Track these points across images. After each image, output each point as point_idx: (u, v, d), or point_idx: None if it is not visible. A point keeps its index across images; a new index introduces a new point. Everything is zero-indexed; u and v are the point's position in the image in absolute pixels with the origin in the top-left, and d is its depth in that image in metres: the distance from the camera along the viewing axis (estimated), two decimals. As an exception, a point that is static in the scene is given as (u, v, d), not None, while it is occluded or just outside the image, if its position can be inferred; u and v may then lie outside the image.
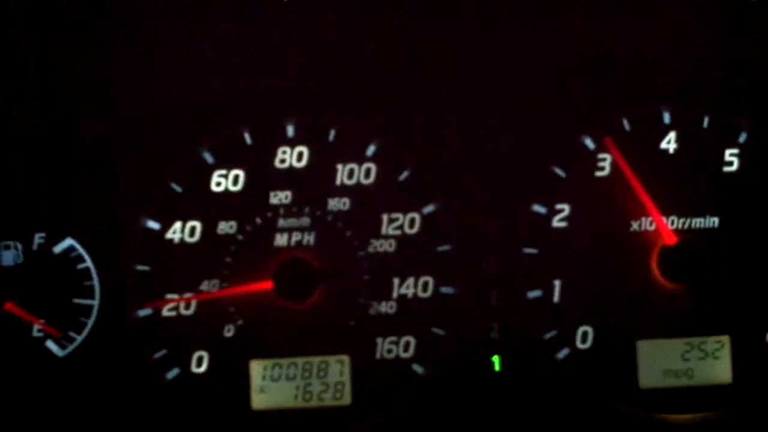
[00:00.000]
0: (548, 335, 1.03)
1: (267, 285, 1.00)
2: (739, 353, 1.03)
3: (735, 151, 1.05)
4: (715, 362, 1.03)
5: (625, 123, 1.04)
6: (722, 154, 1.04)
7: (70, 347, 0.99)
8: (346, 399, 1.02)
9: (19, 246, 1.00)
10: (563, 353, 1.03)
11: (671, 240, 1.02)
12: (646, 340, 1.03)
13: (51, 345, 1.00)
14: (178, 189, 1.02)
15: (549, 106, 1.03)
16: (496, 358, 1.01)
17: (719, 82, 1.04)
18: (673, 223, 1.03)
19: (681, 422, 1.03)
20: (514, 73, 1.02)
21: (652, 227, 1.03)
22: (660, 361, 1.03)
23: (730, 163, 1.05)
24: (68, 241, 1.00)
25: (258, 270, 1.01)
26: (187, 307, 1.01)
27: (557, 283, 1.03)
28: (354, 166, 1.03)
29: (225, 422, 1.01)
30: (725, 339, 1.03)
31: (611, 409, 1.02)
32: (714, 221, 1.04)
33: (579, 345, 1.03)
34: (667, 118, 1.04)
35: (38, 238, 1.00)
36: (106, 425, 0.98)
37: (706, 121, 1.04)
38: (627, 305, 1.03)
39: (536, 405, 1.01)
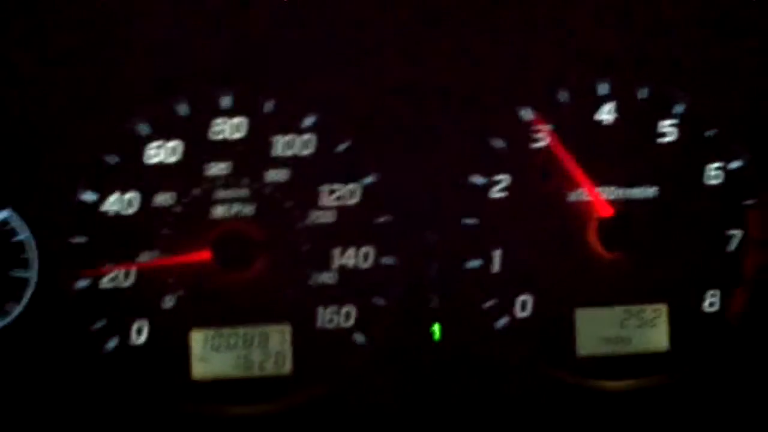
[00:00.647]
0: (487, 304, 1.04)
1: (205, 255, 1.01)
2: (676, 321, 1.05)
3: (671, 122, 1.06)
4: (652, 330, 1.05)
5: (561, 94, 1.05)
6: (658, 126, 1.06)
7: (8, 319, 0.99)
8: (287, 368, 1.02)
9: (-45, 218, 1.00)
10: (502, 322, 1.04)
11: (607, 212, 1.03)
12: (584, 309, 1.05)
13: (-13, 317, 1.00)
14: (114, 161, 1.01)
15: (486, 78, 1.03)
16: (436, 328, 1.03)
17: (655, 54, 1.05)
18: (610, 193, 1.04)
19: (618, 389, 1.04)
20: (452, 45, 1.02)
21: (590, 197, 1.04)
22: (598, 329, 1.05)
23: (666, 134, 1.06)
24: (4, 213, 0.99)
25: (197, 241, 1.01)
26: (126, 278, 1.01)
27: (497, 253, 1.04)
28: (292, 137, 1.03)
29: (165, 392, 1.01)
30: (663, 307, 1.05)
31: (549, 377, 1.04)
32: (651, 192, 1.05)
33: (518, 314, 1.04)
34: (603, 89, 1.05)
35: (-27, 210, 1.00)
36: (46, 396, 0.98)
37: (642, 93, 1.06)
38: (565, 274, 1.04)
39: (475, 373, 1.03)
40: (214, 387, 1.02)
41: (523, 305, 1.04)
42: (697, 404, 1.04)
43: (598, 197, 1.04)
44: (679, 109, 1.06)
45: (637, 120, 1.05)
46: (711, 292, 1.06)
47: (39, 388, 0.98)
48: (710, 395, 1.04)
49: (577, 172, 1.04)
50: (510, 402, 1.03)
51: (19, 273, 0.99)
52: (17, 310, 0.99)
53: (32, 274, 0.99)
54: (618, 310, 1.05)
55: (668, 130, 1.06)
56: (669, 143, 1.06)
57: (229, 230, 1.01)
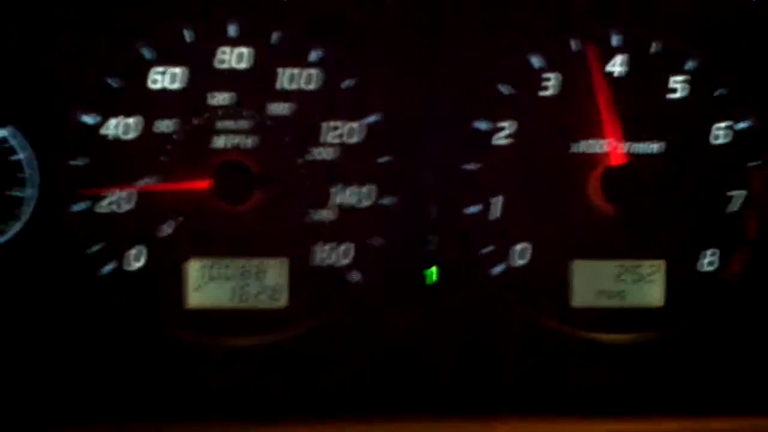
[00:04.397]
0: (485, 251, 1.04)
1: (204, 184, 1.00)
2: (673, 278, 1.05)
3: (681, 78, 1.05)
4: (648, 285, 1.05)
5: (573, 44, 1.04)
6: (668, 81, 1.05)
7: (5, 237, 0.99)
8: (282, 302, 1.02)
9: (-47, 135, 0.99)
10: (498, 269, 1.04)
11: (619, 160, 1.03)
12: (581, 261, 1.04)
13: (-16, 235, 1.00)
14: (116, 84, 1.00)
15: (497, 24, 1.02)
16: (432, 270, 1.03)
17: (670, 7, 1.04)
18: (616, 146, 1.04)
19: (610, 342, 1.05)
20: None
21: (594, 149, 1.04)
22: (594, 282, 1.05)
23: (676, 90, 1.05)
24: (2, 132, 0.99)
25: (195, 170, 1.00)
26: (125, 202, 1.01)
27: (497, 200, 1.04)
28: (296, 70, 1.02)
29: (159, 318, 1.02)
30: (660, 263, 1.05)
31: (542, 326, 1.04)
32: (656, 147, 1.05)
33: (514, 262, 1.04)
34: (615, 40, 1.04)
35: (-28, 129, 1.00)
36: (39, 316, 0.98)
37: (654, 46, 1.04)
38: (564, 225, 1.04)
39: (468, 318, 1.03)
40: (207, 316, 1.02)
41: (521, 253, 1.04)
42: (689, 361, 1.05)
43: (615, 145, 1.03)
44: (690, 65, 1.05)
45: (648, 74, 1.04)
46: (710, 251, 1.06)
47: (33, 309, 0.98)
48: (704, 354, 1.04)
49: (606, 119, 1.03)
50: (502, 349, 1.03)
51: (15, 193, 0.99)
52: (14, 229, 0.99)
53: (30, 194, 0.99)
54: (614, 264, 1.05)
55: (678, 86, 1.05)
56: (678, 99, 1.05)
57: (229, 161, 1.01)
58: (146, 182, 1.01)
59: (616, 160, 1.03)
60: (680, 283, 1.05)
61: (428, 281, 1.03)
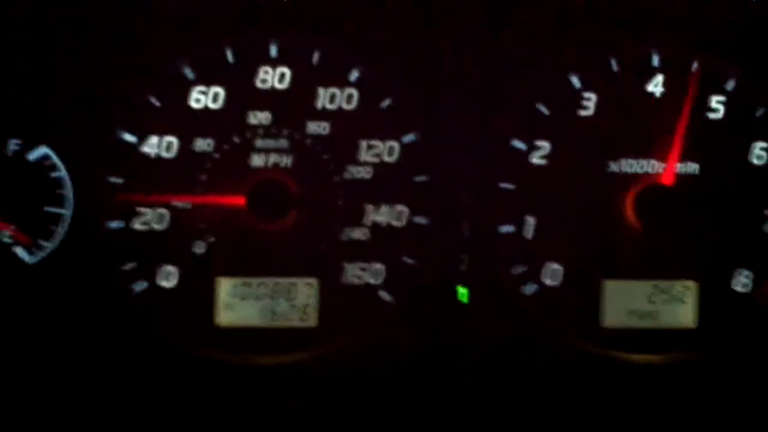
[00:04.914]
0: (517, 270, 1.04)
1: (240, 200, 1.00)
2: (705, 299, 1.05)
3: (721, 98, 1.04)
4: (680, 306, 1.04)
5: (613, 63, 1.03)
6: (708, 100, 1.04)
7: (40, 255, 0.99)
8: (312, 321, 1.03)
9: (-6, 150, 1.00)
10: (530, 289, 1.04)
11: (656, 180, 1.02)
12: (613, 280, 1.04)
13: (20, 251, 0.99)
14: (157, 103, 1.00)
15: (537, 42, 1.01)
16: (464, 290, 1.02)
17: (711, 27, 1.03)
18: (653, 166, 1.03)
19: (641, 362, 1.04)
20: (503, 8, 1.00)
21: (631, 169, 1.03)
22: (625, 302, 1.04)
23: (715, 110, 1.04)
24: (43, 149, 0.99)
25: (233, 189, 1.00)
26: (159, 221, 1.01)
27: (530, 219, 1.03)
28: (336, 90, 1.02)
29: (189, 337, 1.02)
30: (692, 284, 1.04)
31: (574, 347, 1.04)
32: (694, 167, 1.04)
33: (546, 281, 1.04)
34: (655, 60, 1.03)
35: (13, 144, 0.99)
36: (71, 334, 0.98)
37: (694, 66, 1.03)
38: (597, 245, 1.04)
39: (500, 339, 1.03)
40: (237, 335, 1.02)
41: (553, 273, 1.04)
42: (722, 384, 1.04)
43: (672, 165, 1.03)
44: (731, 85, 1.04)
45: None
46: (744, 272, 1.05)
47: (64, 326, 0.98)
48: (737, 376, 1.04)
49: (677, 140, 1.03)
50: (532, 369, 1.03)
51: (53, 209, 0.99)
52: (49, 246, 0.99)
53: (67, 212, 0.99)
54: (647, 284, 1.04)
55: (718, 106, 1.04)
56: (717, 120, 1.04)
57: (266, 180, 1.01)
58: (183, 200, 1.01)
59: (653, 181, 1.03)
60: (713, 304, 1.05)
61: (459, 301, 1.03)
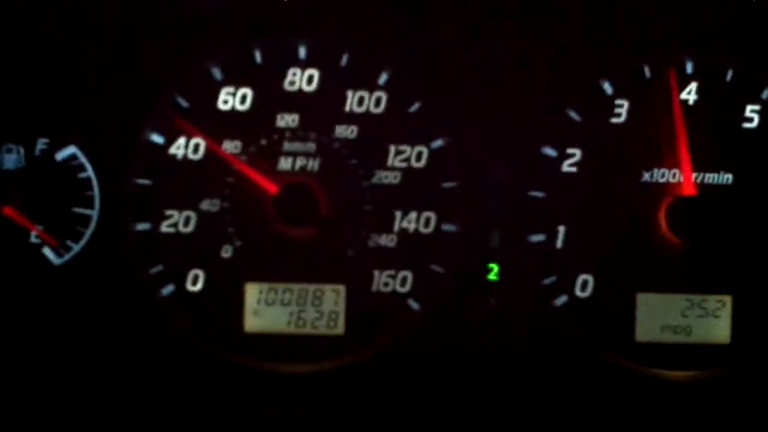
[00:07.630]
0: (547, 281, 1.02)
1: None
2: (740, 314, 1.03)
3: (756, 107, 1.02)
4: (714, 321, 1.03)
5: (646, 70, 1.02)
6: (743, 109, 1.02)
7: (67, 256, 0.99)
8: (339, 328, 1.02)
9: (21, 150, 0.99)
10: (561, 300, 1.02)
11: (689, 190, 1.01)
12: (646, 293, 1.02)
13: (48, 252, 0.99)
14: (185, 104, 1.00)
15: (569, 48, 1.00)
16: (492, 300, 1.01)
17: (747, 35, 1.01)
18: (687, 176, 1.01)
19: (674, 378, 1.02)
20: (535, 13, 1.00)
21: (664, 178, 1.02)
22: (659, 316, 1.02)
23: (750, 119, 1.02)
24: (71, 149, 0.99)
25: (259, 192, 1.00)
26: (186, 224, 1.01)
27: (561, 228, 1.02)
28: (364, 93, 1.01)
29: (216, 342, 1.02)
30: (727, 298, 1.02)
31: (605, 360, 1.02)
32: (728, 177, 1.02)
33: (578, 293, 1.02)
34: (689, 68, 1.02)
35: (41, 144, 0.99)
36: (97, 336, 0.98)
37: (729, 74, 1.02)
38: (630, 256, 1.02)
39: (529, 350, 1.01)
40: (264, 341, 1.01)
41: (584, 285, 1.02)
42: (755, 400, 1.02)
43: (689, 174, 1.01)
44: (767, 94, 1.02)
45: (722, 102, 1.02)
46: (779, 286, 1.03)
47: (91, 328, 0.98)
48: (770, 394, 1.02)
49: (682, 148, 1.01)
50: (562, 382, 1.01)
51: (81, 210, 0.99)
52: (77, 247, 0.99)
53: (94, 213, 0.99)
54: (680, 298, 1.02)
55: (753, 115, 1.02)
56: (752, 129, 1.02)
57: (293, 184, 1.00)
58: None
59: (686, 191, 1.01)
60: (747, 319, 1.02)
61: (488, 310, 1.01)
